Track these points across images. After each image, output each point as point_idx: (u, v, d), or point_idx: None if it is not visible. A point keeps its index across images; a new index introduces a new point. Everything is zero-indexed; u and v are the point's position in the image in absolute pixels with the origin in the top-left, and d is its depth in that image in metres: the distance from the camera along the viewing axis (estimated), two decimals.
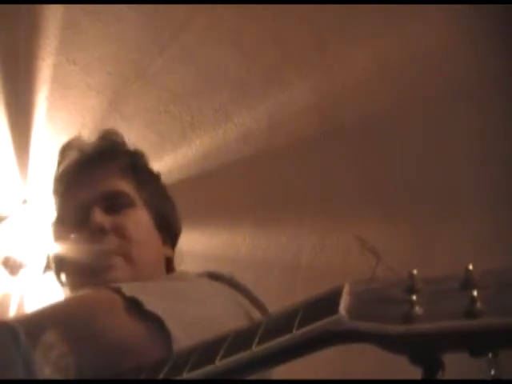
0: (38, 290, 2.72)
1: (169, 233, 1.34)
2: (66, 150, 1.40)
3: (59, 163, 1.39)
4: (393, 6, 2.38)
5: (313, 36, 2.52)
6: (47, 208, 2.72)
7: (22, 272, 2.62)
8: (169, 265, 1.33)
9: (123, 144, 1.39)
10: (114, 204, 1.26)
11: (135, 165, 1.35)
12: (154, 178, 1.39)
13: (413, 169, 2.67)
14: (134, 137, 2.61)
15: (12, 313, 2.71)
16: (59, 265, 1.34)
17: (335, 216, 2.74)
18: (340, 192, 2.70)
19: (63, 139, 2.62)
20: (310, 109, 2.59)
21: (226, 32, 2.53)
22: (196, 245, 2.57)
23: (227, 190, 2.63)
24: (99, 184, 1.29)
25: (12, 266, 2.60)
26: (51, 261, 1.39)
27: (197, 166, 2.56)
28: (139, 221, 1.28)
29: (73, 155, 1.36)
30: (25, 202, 2.70)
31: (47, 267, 2.69)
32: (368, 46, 2.50)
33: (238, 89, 2.59)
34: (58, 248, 1.34)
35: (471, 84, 2.53)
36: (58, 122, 2.63)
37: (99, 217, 1.23)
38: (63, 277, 1.33)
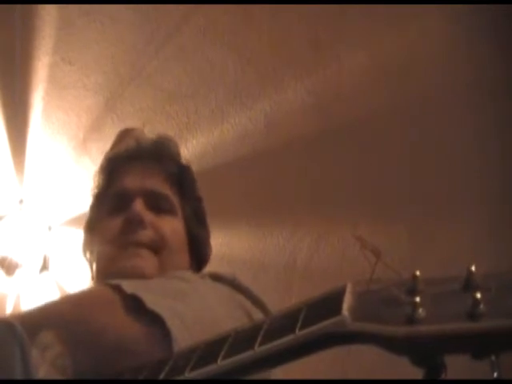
0: (34, 291, 2.71)
1: (197, 256, 1.32)
2: (124, 135, 1.40)
3: (114, 145, 1.39)
4: (391, 6, 2.38)
5: (309, 36, 2.53)
6: (43, 208, 2.72)
7: (17, 272, 2.62)
8: None
9: (178, 154, 1.38)
10: (157, 205, 1.25)
11: (184, 179, 1.33)
12: (198, 198, 1.37)
13: (410, 169, 2.67)
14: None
15: (8, 313, 2.70)
16: (88, 245, 1.32)
17: (331, 216, 2.74)
18: (336, 192, 2.71)
19: (59, 139, 2.65)
20: (307, 109, 2.59)
21: (222, 32, 2.53)
22: None
23: (223, 190, 2.63)
24: (148, 180, 1.28)
25: (8, 266, 2.59)
26: (82, 237, 1.36)
27: (193, 166, 2.55)
28: (177, 230, 1.26)
29: (130, 142, 1.35)
30: (21, 201, 2.70)
31: (43, 267, 2.70)
32: (365, 47, 2.51)
33: (235, 89, 2.59)
34: (91, 227, 1.32)
35: (470, 84, 2.54)
36: (54, 122, 2.62)
37: (141, 208, 1.22)
38: (89, 256, 1.32)
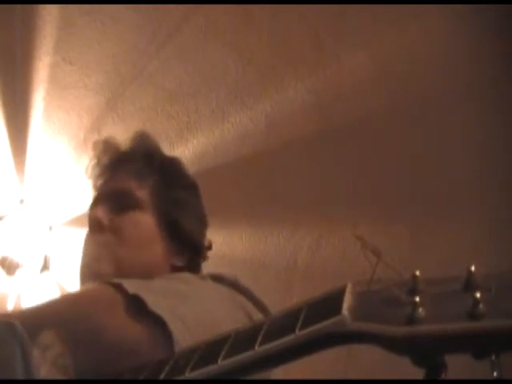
0: (35, 290, 2.71)
1: (183, 243, 1.31)
2: (100, 147, 1.41)
3: (91, 161, 1.41)
4: (391, 6, 2.38)
5: (309, 36, 2.53)
6: (44, 208, 2.72)
7: (18, 272, 2.62)
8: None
9: (152, 147, 1.40)
10: (120, 203, 1.28)
11: (155, 169, 1.34)
12: (185, 187, 1.37)
13: (410, 168, 2.67)
14: (130, 137, 2.61)
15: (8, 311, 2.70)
16: None
17: (332, 216, 2.74)
18: (337, 192, 2.71)
19: (60, 139, 2.65)
20: (307, 109, 2.59)
21: (222, 32, 2.53)
22: None
23: (224, 189, 2.63)
24: (113, 182, 1.33)
25: (9, 266, 2.59)
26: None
27: (194, 165, 2.55)
28: (140, 223, 1.28)
29: (104, 155, 1.39)
30: (22, 201, 2.70)
31: (44, 267, 2.70)
32: (365, 47, 2.51)
33: (235, 89, 2.59)
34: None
35: (470, 84, 2.54)
36: (55, 122, 2.62)
37: (100, 213, 1.27)
38: None
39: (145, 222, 1.29)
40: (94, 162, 1.40)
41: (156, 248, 1.28)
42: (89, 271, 1.23)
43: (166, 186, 1.33)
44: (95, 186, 1.38)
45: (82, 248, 1.29)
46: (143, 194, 1.30)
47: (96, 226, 1.26)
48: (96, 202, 1.31)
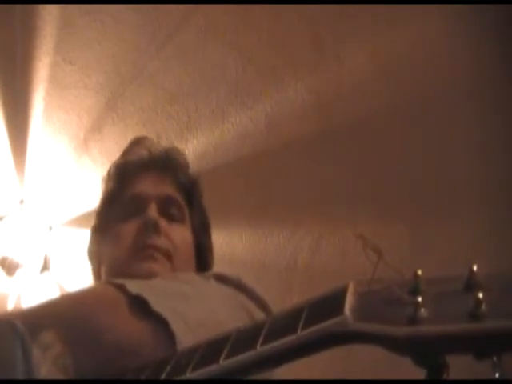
0: (35, 291, 2.71)
1: (203, 265, 1.34)
2: (135, 144, 1.41)
3: (125, 153, 1.40)
4: (391, 6, 2.38)
5: (310, 35, 2.53)
6: (44, 208, 2.72)
7: (18, 272, 2.62)
8: None
9: (188, 166, 1.40)
10: (169, 212, 1.28)
11: (193, 190, 1.36)
12: (204, 210, 1.40)
13: (410, 168, 2.67)
14: (130, 137, 2.61)
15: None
16: (97, 248, 1.33)
17: (332, 216, 2.74)
18: (337, 192, 2.71)
19: (60, 139, 2.65)
20: (307, 108, 2.59)
21: (222, 32, 2.53)
22: None
23: (224, 190, 2.63)
24: (162, 186, 1.30)
25: (9, 267, 2.59)
26: (89, 240, 1.37)
27: (194, 166, 2.55)
28: (185, 239, 1.29)
29: (141, 152, 1.37)
30: (22, 202, 2.70)
31: (44, 267, 2.70)
32: (366, 46, 2.51)
33: (235, 89, 2.59)
34: (101, 230, 1.33)
35: (470, 84, 2.54)
36: (55, 122, 2.62)
37: (157, 215, 1.24)
38: (97, 259, 1.32)
39: (188, 238, 1.30)
40: (130, 156, 1.38)
41: (192, 265, 1.30)
42: (147, 274, 1.16)
43: (197, 207, 1.36)
44: (125, 180, 1.34)
45: (125, 245, 1.23)
46: (186, 210, 1.32)
47: (152, 226, 1.22)
48: (144, 201, 1.27)
